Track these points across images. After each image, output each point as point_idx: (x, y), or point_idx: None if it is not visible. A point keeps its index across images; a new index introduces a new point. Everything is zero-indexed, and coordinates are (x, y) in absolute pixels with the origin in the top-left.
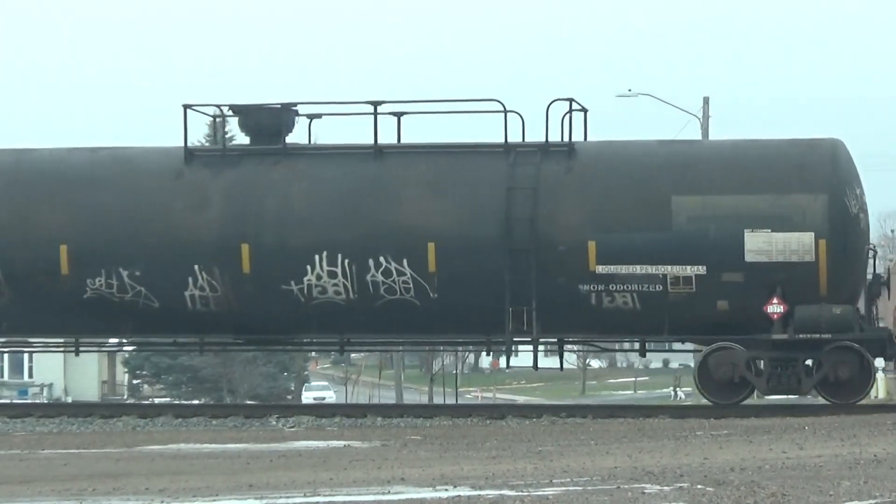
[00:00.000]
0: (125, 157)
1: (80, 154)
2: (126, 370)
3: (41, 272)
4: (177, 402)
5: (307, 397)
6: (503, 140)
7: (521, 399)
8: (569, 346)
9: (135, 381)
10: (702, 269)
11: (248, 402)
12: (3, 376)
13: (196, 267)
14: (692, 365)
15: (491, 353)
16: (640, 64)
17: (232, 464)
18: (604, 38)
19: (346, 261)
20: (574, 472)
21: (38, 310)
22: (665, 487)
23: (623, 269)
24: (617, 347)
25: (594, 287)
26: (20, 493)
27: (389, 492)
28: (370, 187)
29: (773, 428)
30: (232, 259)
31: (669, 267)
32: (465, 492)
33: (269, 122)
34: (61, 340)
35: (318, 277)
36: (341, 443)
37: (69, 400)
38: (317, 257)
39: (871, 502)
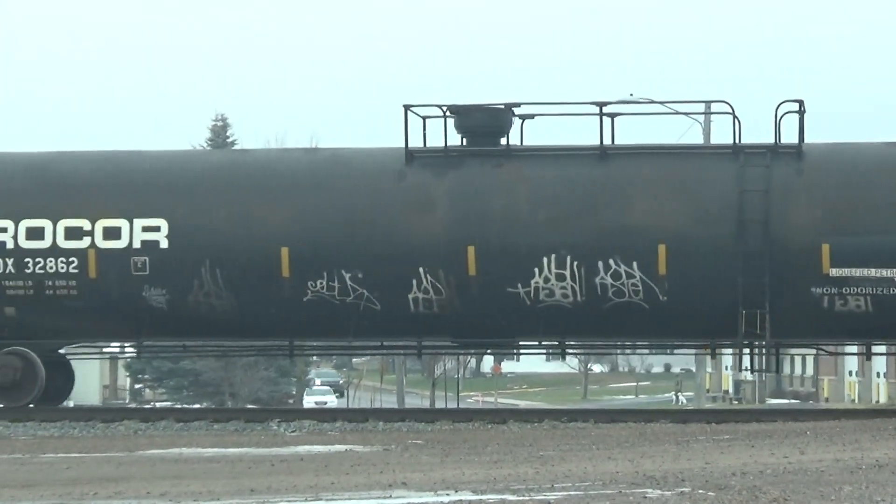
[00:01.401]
0: (344, 158)
1: (297, 155)
2: (128, 374)
3: (261, 274)
4: (178, 406)
5: (308, 401)
6: (730, 141)
7: (522, 403)
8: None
9: (136, 386)
10: None
11: (250, 406)
12: None
13: (421, 269)
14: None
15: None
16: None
17: (233, 468)
18: (604, 39)
19: (575, 263)
20: (576, 477)
21: (257, 312)
22: (667, 492)
23: (857, 272)
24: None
25: (827, 290)
26: (22, 497)
27: (391, 496)
28: (597, 189)
29: (775, 433)
30: (458, 261)
31: None
32: (466, 496)
33: (488, 122)
34: (284, 343)
35: (546, 280)
36: (343, 447)
37: (71, 404)
38: (545, 259)
39: None
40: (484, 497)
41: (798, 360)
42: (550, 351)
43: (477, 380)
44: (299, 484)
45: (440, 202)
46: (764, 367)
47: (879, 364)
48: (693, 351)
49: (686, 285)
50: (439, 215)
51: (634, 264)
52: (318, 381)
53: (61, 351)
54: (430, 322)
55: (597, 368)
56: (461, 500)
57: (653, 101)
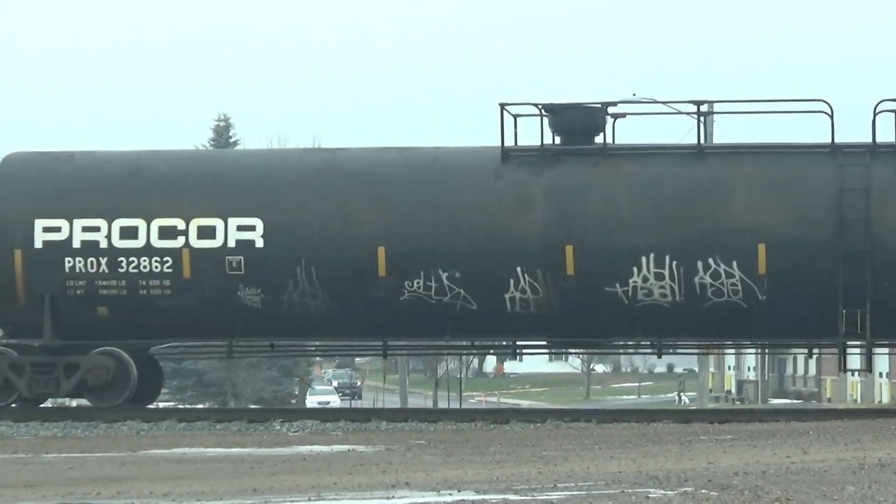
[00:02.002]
0: (440, 157)
1: (392, 154)
2: None
3: (358, 274)
4: (181, 406)
5: (311, 401)
6: (829, 140)
7: (525, 403)
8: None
9: None
10: None
11: (252, 406)
12: None
13: (518, 269)
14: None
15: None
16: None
17: (236, 468)
18: (606, 41)
19: (674, 262)
20: (578, 477)
21: (352, 312)
22: (669, 492)
23: None
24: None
25: None
26: (25, 497)
27: (394, 496)
28: (695, 188)
29: (778, 432)
30: (556, 260)
31: None
32: (469, 496)
33: (583, 121)
34: (378, 343)
35: (645, 279)
36: (345, 447)
37: (74, 404)
38: (643, 259)
39: None
40: (487, 497)
41: (801, 359)
42: (643, 351)
43: (480, 380)
44: (302, 484)
45: (538, 201)
46: (864, 367)
47: (882, 364)
48: (794, 350)
49: (785, 285)
50: (537, 214)
51: (734, 263)
52: (334, 383)
53: (150, 350)
54: (525, 322)
55: (599, 368)
56: (464, 500)
57: (749, 101)
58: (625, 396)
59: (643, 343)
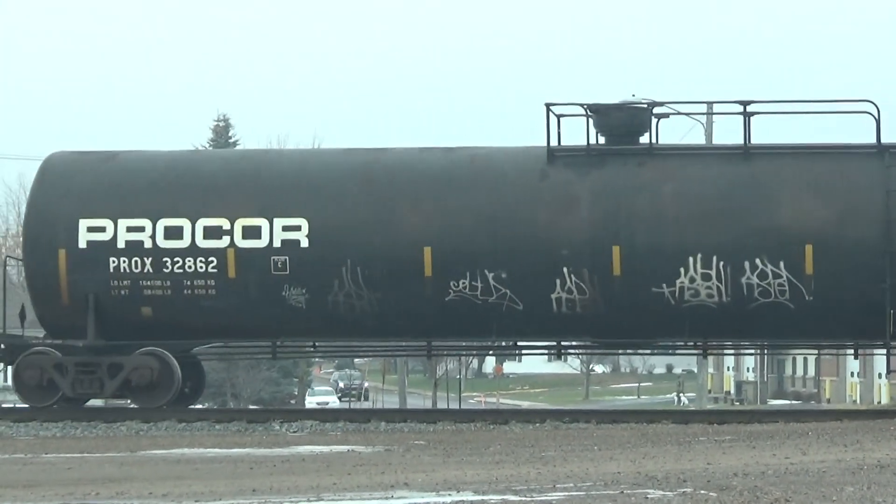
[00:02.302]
0: (485, 157)
1: (437, 154)
2: None
3: (403, 274)
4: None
5: (310, 402)
6: (875, 141)
7: (524, 404)
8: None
9: None
10: None
11: (252, 406)
12: (6, 380)
13: (565, 269)
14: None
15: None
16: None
17: (235, 468)
18: (608, 41)
19: (721, 263)
20: (577, 478)
21: (397, 312)
22: (668, 493)
23: None
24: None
25: None
26: (24, 497)
27: (393, 496)
28: (742, 188)
29: (777, 433)
30: (602, 261)
31: None
32: (468, 497)
33: (628, 121)
34: (422, 343)
35: (692, 280)
36: (345, 447)
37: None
38: (690, 259)
39: None
40: (486, 497)
41: (800, 360)
42: (692, 352)
43: (479, 380)
44: (301, 484)
45: (584, 201)
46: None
47: (881, 365)
48: (838, 351)
49: (832, 285)
50: (583, 214)
51: (781, 264)
52: (341, 384)
53: (193, 351)
54: (571, 322)
55: (598, 369)
56: (463, 501)
57: (792, 101)
58: (624, 397)
59: (689, 344)
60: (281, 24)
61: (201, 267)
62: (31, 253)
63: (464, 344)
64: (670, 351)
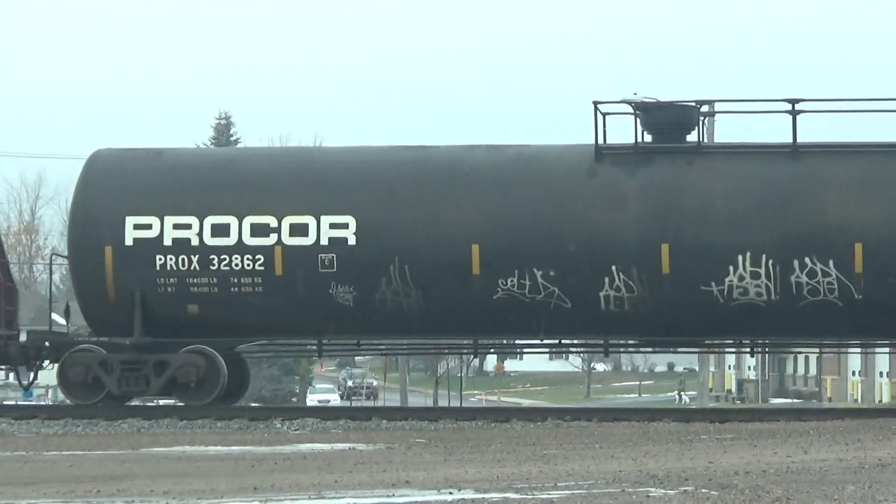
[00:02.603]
0: (532, 154)
1: (483, 151)
2: None
3: (451, 272)
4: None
5: (312, 400)
6: None
7: (525, 402)
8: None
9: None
10: None
11: (253, 404)
12: (7, 378)
13: (613, 267)
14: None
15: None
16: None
17: (236, 466)
18: (612, 39)
19: (770, 261)
20: (579, 476)
21: (444, 310)
22: (670, 491)
23: None
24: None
25: None
26: (25, 494)
27: (394, 495)
28: (791, 186)
29: (778, 432)
30: (651, 259)
31: None
32: (469, 495)
33: (676, 119)
34: (468, 341)
35: (741, 278)
36: (346, 445)
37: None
38: (739, 258)
39: None
40: (487, 496)
41: (801, 359)
42: (741, 350)
43: (480, 378)
44: (302, 482)
45: (632, 199)
46: None
47: (882, 363)
48: (887, 350)
49: (881, 284)
50: (632, 212)
51: (831, 262)
52: (350, 382)
53: (237, 349)
54: (618, 320)
55: (600, 367)
56: (464, 499)
57: (842, 100)
58: (625, 395)
59: (737, 342)
60: (282, 22)
61: (248, 264)
62: (77, 250)
63: (511, 342)
64: (716, 350)
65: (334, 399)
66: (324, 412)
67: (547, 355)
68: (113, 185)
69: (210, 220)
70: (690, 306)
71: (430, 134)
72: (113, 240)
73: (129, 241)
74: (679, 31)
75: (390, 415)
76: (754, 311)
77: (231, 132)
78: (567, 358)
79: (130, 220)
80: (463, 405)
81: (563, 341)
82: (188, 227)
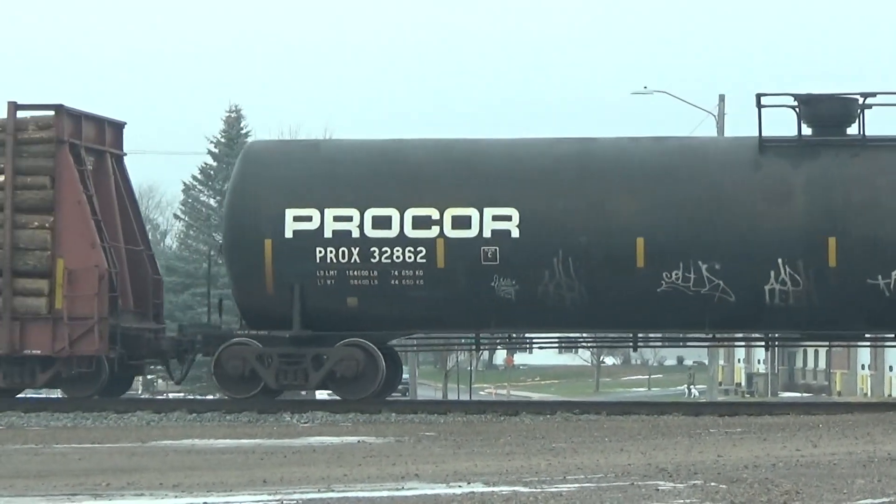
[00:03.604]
0: (696, 147)
1: (647, 144)
2: None
3: (615, 265)
4: (191, 397)
5: (321, 393)
6: None
7: (535, 396)
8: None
9: (149, 377)
10: None
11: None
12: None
13: (779, 260)
14: (706, 362)
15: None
16: (656, 61)
17: (246, 459)
18: (618, 35)
19: None
20: (588, 469)
21: (607, 303)
22: (679, 484)
23: None
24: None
25: None
26: (35, 487)
27: (403, 488)
28: None
29: (787, 426)
30: (818, 252)
31: None
32: (478, 488)
33: (838, 112)
34: (627, 335)
35: None
36: (355, 438)
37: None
38: None
39: (885, 500)
40: (496, 489)
41: (811, 353)
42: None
43: (490, 372)
44: (312, 475)
45: (798, 192)
46: None
47: (892, 357)
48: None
49: None
50: (798, 205)
51: None
52: None
53: (390, 342)
54: (782, 314)
55: (609, 361)
56: (473, 492)
57: None
58: (635, 389)
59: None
60: (292, 14)
61: (409, 257)
62: (235, 243)
63: (674, 336)
64: (878, 344)
65: None
66: (333, 405)
67: (556, 349)
68: (271, 177)
69: (371, 213)
70: (856, 300)
71: (444, 124)
72: (272, 232)
73: (288, 234)
74: (679, 29)
75: (400, 408)
76: None
77: (241, 125)
78: (576, 351)
79: (290, 213)
80: (472, 398)
81: (573, 335)
82: (349, 219)
